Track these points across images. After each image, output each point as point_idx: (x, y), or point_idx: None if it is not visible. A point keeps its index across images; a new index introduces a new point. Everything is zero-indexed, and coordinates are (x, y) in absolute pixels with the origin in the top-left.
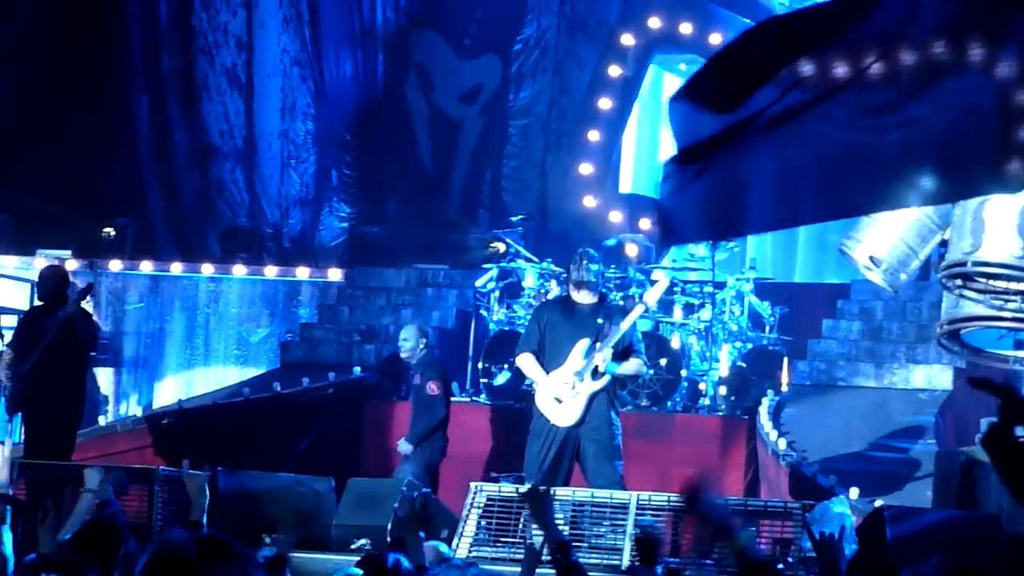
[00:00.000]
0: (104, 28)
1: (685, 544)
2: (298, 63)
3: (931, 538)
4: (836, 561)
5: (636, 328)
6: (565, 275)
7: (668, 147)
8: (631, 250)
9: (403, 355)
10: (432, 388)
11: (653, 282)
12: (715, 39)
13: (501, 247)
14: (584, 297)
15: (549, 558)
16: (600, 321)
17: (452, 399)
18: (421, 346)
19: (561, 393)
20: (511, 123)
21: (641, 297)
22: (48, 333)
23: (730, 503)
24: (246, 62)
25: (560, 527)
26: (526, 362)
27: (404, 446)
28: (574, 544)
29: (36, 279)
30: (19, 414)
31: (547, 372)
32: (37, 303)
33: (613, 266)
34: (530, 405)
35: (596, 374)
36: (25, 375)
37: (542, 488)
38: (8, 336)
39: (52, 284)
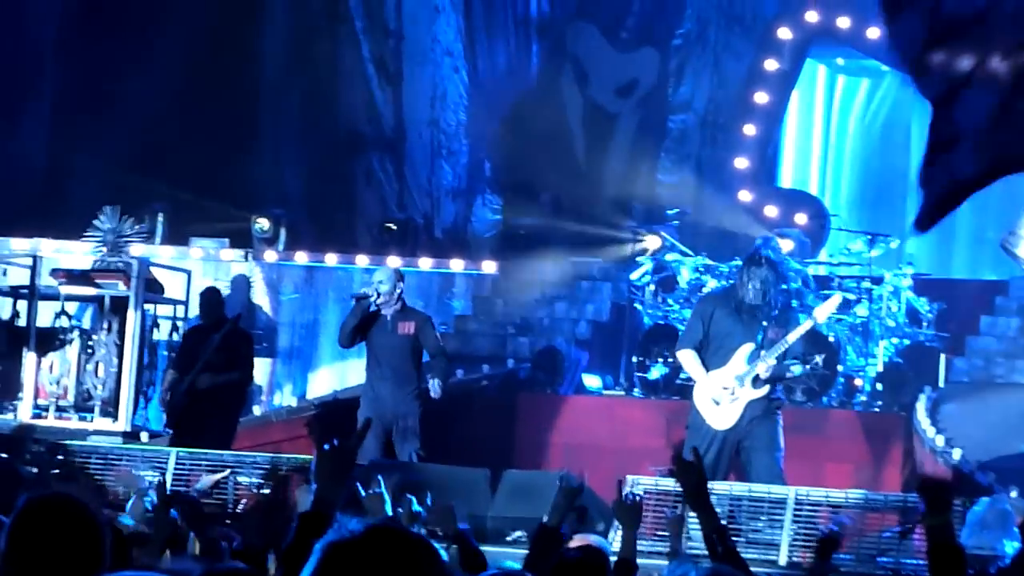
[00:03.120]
0: (253, 15)
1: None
2: (450, 53)
3: None
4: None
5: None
6: (739, 271)
7: (820, 139)
8: (786, 245)
9: (378, 301)
10: (437, 337)
11: (818, 289)
12: (873, 33)
13: (654, 241)
14: (751, 296)
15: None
16: (765, 324)
17: (605, 392)
18: (398, 291)
19: (720, 396)
20: (670, 117)
21: (811, 312)
22: (204, 355)
23: (889, 499)
24: (395, 50)
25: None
26: (686, 358)
27: (437, 389)
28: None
29: (199, 299)
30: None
31: (707, 369)
32: (198, 323)
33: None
34: (685, 399)
35: (757, 382)
36: (184, 393)
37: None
38: (164, 325)
39: (208, 308)
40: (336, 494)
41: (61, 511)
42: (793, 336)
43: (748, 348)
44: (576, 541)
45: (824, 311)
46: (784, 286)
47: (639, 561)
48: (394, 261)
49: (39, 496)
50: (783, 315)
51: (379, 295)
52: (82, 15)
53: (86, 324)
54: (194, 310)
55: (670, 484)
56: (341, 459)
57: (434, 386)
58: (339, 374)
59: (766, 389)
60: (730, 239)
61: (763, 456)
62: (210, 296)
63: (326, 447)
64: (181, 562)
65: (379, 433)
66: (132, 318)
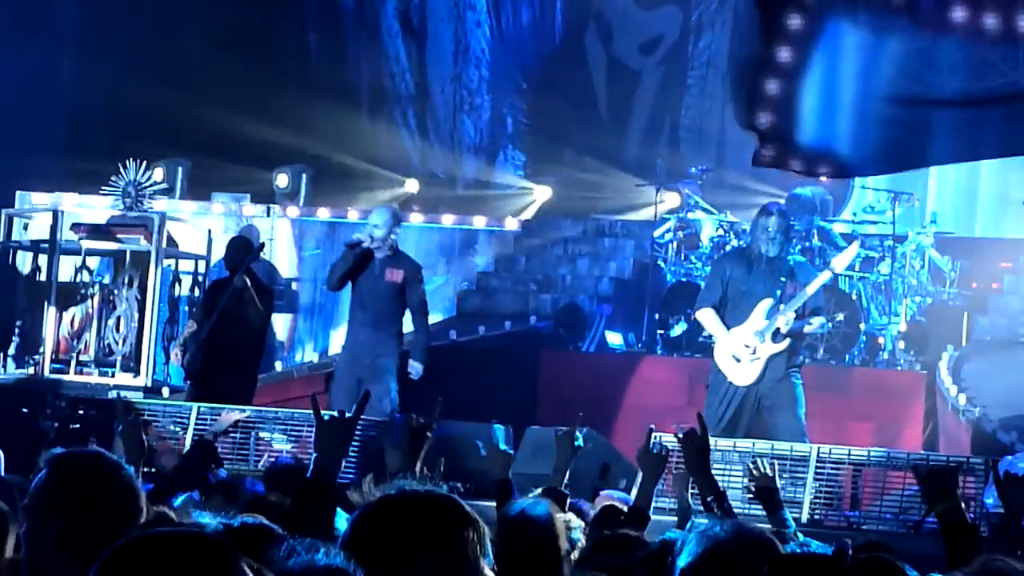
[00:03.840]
0: None
1: (866, 498)
2: (472, 7)
3: None
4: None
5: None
6: (751, 227)
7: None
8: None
9: (372, 245)
10: (422, 292)
11: (843, 246)
12: None
13: (677, 199)
14: (764, 247)
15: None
16: (783, 280)
17: (627, 349)
18: (393, 236)
19: (740, 353)
20: (689, 73)
21: (829, 263)
22: (220, 303)
23: (911, 458)
24: (419, 5)
25: (736, 478)
26: (706, 317)
27: (417, 368)
28: (751, 499)
29: (226, 247)
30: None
31: (727, 327)
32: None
33: (793, 218)
34: (707, 357)
35: (777, 336)
36: (202, 343)
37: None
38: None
39: (229, 253)
40: (336, 464)
41: (90, 468)
42: (812, 287)
43: (767, 303)
44: (601, 499)
45: (842, 261)
46: (797, 235)
47: (661, 518)
48: (416, 217)
49: (68, 453)
50: (800, 269)
51: (372, 239)
52: None
53: (107, 279)
54: (217, 267)
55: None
56: (341, 430)
57: (415, 369)
58: None
59: (786, 343)
60: (753, 196)
61: (786, 414)
62: (234, 243)
63: (326, 418)
64: (199, 514)
65: (351, 383)
66: (153, 272)
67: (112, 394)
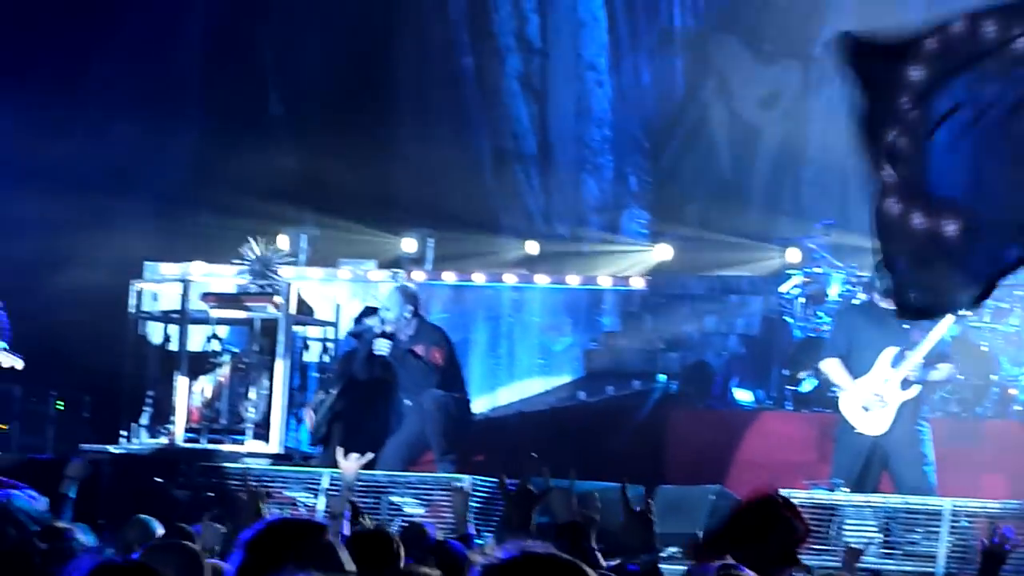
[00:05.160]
0: (391, 32)
1: None
2: (593, 67)
3: None
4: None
5: (945, 335)
6: (872, 276)
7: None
8: None
9: (388, 328)
10: (436, 356)
11: None
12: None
13: (803, 254)
14: (889, 302)
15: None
16: (907, 327)
17: (756, 406)
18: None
19: (869, 402)
20: (809, 128)
21: None
22: (347, 372)
23: None
24: (540, 66)
25: (870, 534)
26: (832, 367)
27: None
28: (885, 552)
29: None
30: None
31: (853, 378)
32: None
33: None
34: (837, 412)
35: (905, 383)
36: (329, 409)
37: None
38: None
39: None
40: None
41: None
42: (936, 333)
43: (892, 351)
44: None
45: None
46: None
47: None
48: (542, 279)
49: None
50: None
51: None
52: (225, 47)
53: (236, 348)
54: (345, 332)
55: (823, 497)
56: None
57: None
58: (490, 394)
59: (916, 390)
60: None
61: (910, 467)
62: (366, 314)
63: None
64: None
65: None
66: (282, 340)
67: (244, 462)
